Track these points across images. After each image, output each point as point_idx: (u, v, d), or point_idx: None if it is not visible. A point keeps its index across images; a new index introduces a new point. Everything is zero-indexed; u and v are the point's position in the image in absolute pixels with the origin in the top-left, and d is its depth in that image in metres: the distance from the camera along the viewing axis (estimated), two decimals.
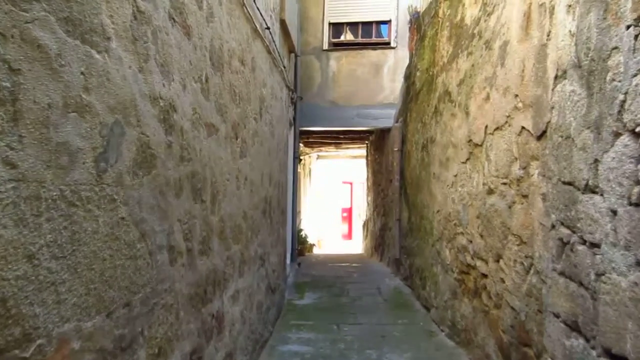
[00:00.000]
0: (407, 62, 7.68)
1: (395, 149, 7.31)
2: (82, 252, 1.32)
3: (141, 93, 1.69)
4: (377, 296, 6.21)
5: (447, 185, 4.50)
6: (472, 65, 3.75)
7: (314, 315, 5.27)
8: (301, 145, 12.88)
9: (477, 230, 3.59)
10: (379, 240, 9.82)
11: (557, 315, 2.18)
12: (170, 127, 1.98)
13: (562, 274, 2.12)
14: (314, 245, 13.54)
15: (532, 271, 2.56)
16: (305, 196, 15.25)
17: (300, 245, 10.97)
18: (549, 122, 2.30)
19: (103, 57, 1.42)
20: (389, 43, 8.66)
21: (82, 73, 1.31)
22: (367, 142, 12.90)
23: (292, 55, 7.13)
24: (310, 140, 12.73)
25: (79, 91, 1.30)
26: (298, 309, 5.62)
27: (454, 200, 4.31)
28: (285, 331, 4.71)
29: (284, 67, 5.85)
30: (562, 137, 2.12)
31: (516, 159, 2.76)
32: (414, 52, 6.90)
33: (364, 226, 13.85)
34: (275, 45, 4.94)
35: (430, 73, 5.53)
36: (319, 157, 17.74)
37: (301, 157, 13.11)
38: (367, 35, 8.84)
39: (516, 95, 2.75)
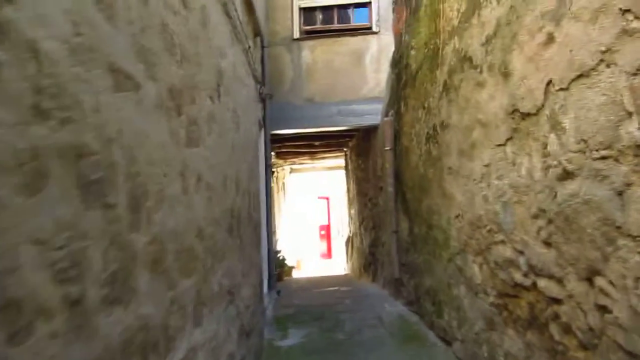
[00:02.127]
0: (392, 48, 6.75)
1: (387, 148, 6.31)
2: None
3: None
4: (380, 327, 5.14)
5: (474, 180, 3.50)
6: (511, 8, 2.77)
7: None
8: (273, 155, 11.84)
9: (538, 235, 2.58)
10: (369, 258, 8.77)
11: None
12: None
13: None
14: (293, 267, 12.43)
15: None
16: (279, 213, 14.15)
17: (279, 269, 9.85)
18: None
19: None
20: (370, 28, 7.71)
21: None
22: (345, 149, 11.93)
23: (258, 40, 6.10)
24: (283, 150, 11.68)
25: None
26: (282, 352, 4.50)
27: (486, 198, 3.31)
28: None
29: (249, 47, 4.81)
30: None
31: (630, 114, 1.76)
32: (403, 31, 5.95)
33: (347, 243, 12.80)
34: (236, 11, 3.90)
35: (432, 46, 4.56)
36: (292, 170, 16.68)
37: (274, 170, 12.06)
38: (345, 20, 7.88)
39: (625, 12, 1.76)
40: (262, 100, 6.82)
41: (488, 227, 3.31)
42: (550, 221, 2.42)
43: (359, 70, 7.61)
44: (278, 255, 10.39)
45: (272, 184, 13.15)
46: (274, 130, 7.51)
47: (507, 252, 3.05)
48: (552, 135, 2.34)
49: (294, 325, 5.37)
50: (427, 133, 4.69)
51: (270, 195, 7.33)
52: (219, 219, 3.01)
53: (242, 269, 3.84)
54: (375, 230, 8.10)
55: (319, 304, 6.49)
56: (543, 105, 2.43)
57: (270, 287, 6.97)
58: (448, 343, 4.36)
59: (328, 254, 23.08)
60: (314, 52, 7.68)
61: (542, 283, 2.59)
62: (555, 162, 2.33)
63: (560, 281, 2.38)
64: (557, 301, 2.44)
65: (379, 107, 7.28)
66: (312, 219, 21.46)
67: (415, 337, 4.75)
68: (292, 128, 7.75)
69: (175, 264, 2.02)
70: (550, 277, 2.48)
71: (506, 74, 2.86)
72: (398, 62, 6.15)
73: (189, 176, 2.27)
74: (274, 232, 10.30)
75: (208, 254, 2.63)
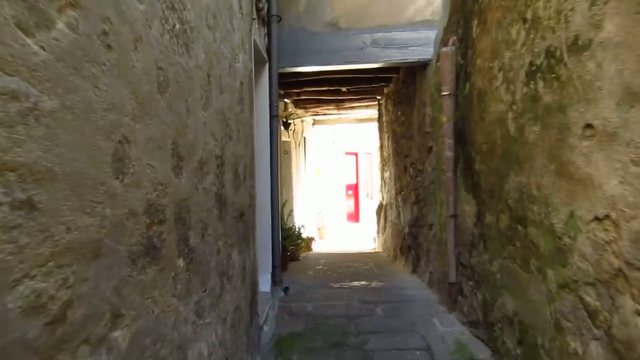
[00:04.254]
0: None
1: (445, 93, 4.49)
2: None
3: None
4: None
5: None
6: None
7: None
8: (290, 104, 10.07)
9: None
10: (408, 239, 7.07)
11: None
12: None
13: None
14: (312, 239, 10.83)
15: None
16: (297, 173, 12.48)
17: (292, 247, 8.27)
18: None
19: None
20: None
21: None
22: (379, 97, 10.05)
23: None
24: (303, 98, 9.87)
25: None
26: None
27: None
28: None
29: None
30: None
31: None
32: None
33: (378, 212, 11.09)
34: None
35: None
36: (315, 122, 14.84)
37: (289, 121, 10.32)
38: None
39: None
40: (265, 21, 5.02)
41: None
42: None
43: None
44: (291, 230, 8.78)
45: (289, 139, 11.42)
46: (285, 67, 5.72)
47: None
48: None
49: (300, 357, 3.75)
50: (531, 64, 2.86)
51: (276, 155, 5.61)
52: (98, 242, 1.34)
53: (195, 310, 2.19)
54: (418, 205, 6.35)
55: (339, 313, 4.85)
56: None
57: (274, 282, 5.37)
58: None
59: (355, 216, 21.49)
60: None
61: None
62: None
63: None
64: None
65: (432, 35, 5.40)
66: (338, 177, 19.75)
67: None
68: (309, 64, 5.89)
69: None
70: None
71: None
72: None
73: None
74: (285, 202, 8.65)
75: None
